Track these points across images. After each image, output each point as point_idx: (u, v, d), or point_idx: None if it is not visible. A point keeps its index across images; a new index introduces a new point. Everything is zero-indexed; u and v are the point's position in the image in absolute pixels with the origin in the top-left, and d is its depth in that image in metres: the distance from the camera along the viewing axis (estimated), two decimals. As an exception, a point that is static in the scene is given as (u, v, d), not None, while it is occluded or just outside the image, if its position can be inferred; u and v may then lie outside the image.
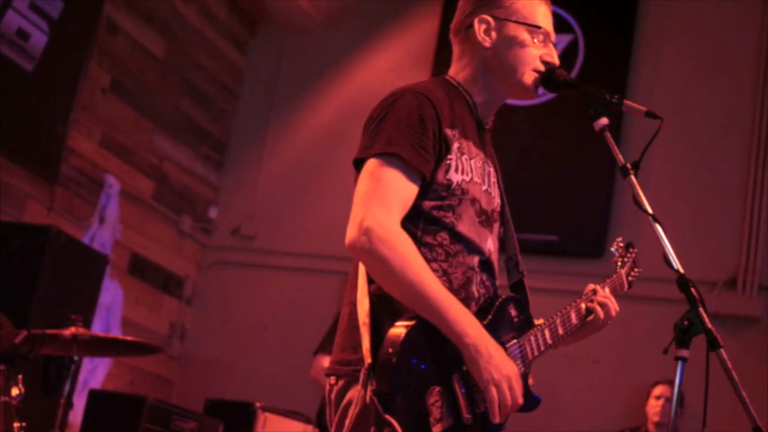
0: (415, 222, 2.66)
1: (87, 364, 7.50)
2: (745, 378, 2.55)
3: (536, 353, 2.75)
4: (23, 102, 7.01)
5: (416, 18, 8.85)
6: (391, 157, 2.61)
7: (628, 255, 3.27)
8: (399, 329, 2.51)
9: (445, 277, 2.64)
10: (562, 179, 8.06)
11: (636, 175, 2.74)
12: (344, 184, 7.76)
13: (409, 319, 2.53)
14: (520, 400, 2.59)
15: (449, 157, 2.71)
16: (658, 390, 7.20)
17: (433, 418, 2.49)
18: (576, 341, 2.98)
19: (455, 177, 2.71)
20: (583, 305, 2.92)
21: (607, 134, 2.81)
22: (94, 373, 7.69)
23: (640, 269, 3.29)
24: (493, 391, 2.54)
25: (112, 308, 7.87)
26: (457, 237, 2.71)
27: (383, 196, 2.58)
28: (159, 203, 8.41)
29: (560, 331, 2.84)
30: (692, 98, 7.92)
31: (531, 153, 8.09)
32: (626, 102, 2.80)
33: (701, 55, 8.05)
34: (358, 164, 2.68)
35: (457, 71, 2.93)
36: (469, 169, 2.76)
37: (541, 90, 2.93)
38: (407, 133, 2.63)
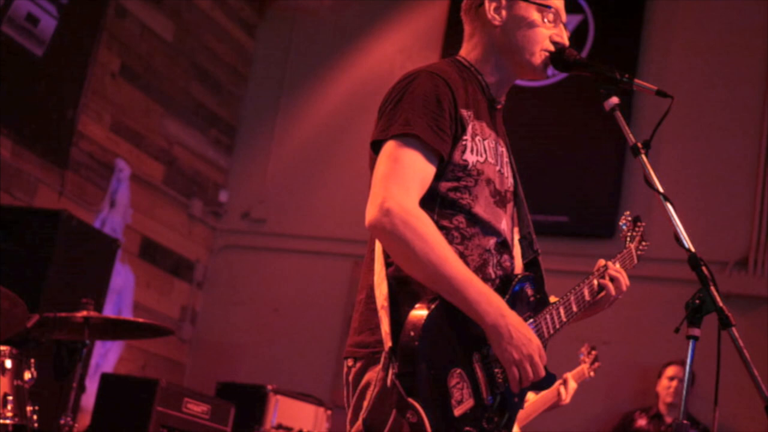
0: (431, 206, 2.65)
1: (99, 348, 7.52)
2: (756, 358, 2.55)
3: (552, 331, 2.76)
4: (33, 87, 7.02)
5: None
6: (409, 138, 2.61)
7: (636, 229, 3.30)
8: (420, 312, 2.51)
9: (462, 260, 2.64)
10: (572, 160, 8.05)
11: (647, 155, 2.74)
12: (354, 166, 7.79)
13: (429, 301, 2.53)
14: (542, 374, 2.60)
15: (464, 138, 2.71)
16: (671, 371, 7.20)
17: (455, 400, 2.50)
18: (588, 317, 2.99)
19: (471, 158, 2.71)
20: (595, 281, 2.93)
21: (618, 113, 2.80)
22: (106, 357, 7.72)
23: (648, 243, 3.30)
24: (515, 371, 2.57)
25: (124, 292, 7.90)
26: (474, 219, 2.71)
27: (402, 177, 2.58)
28: (169, 187, 8.42)
29: (574, 308, 2.85)
30: (702, 77, 7.90)
31: (541, 134, 8.08)
32: (636, 81, 2.80)
33: (711, 35, 8.01)
34: (376, 146, 2.68)
35: (467, 51, 2.93)
36: (483, 150, 2.75)
37: (551, 70, 2.92)
38: (424, 113, 2.63)
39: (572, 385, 5.48)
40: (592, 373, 5.69)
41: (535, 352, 2.58)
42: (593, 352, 5.68)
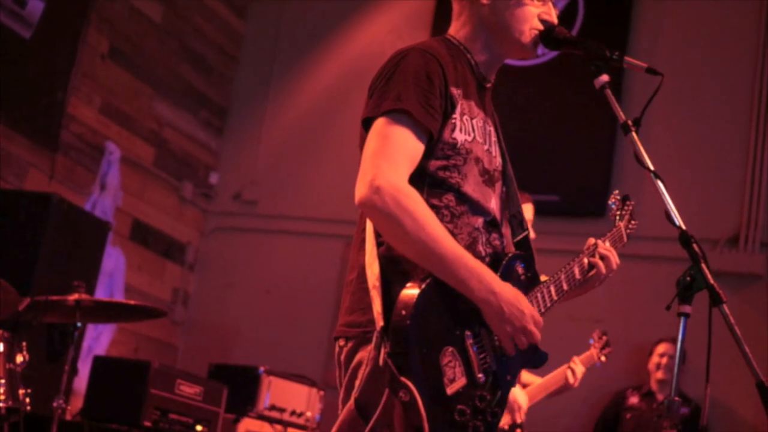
0: (420, 185, 2.65)
1: (91, 331, 7.52)
2: (747, 335, 2.55)
3: (543, 309, 2.78)
4: (22, 70, 6.99)
5: (415, -21, 8.80)
6: (399, 115, 2.60)
7: (626, 208, 3.31)
8: (411, 291, 2.51)
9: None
10: (562, 139, 8.05)
11: (637, 132, 2.74)
12: (346, 147, 7.78)
13: (421, 280, 2.53)
14: (538, 338, 2.63)
15: (454, 116, 2.71)
16: (661, 348, 7.23)
17: (447, 379, 2.50)
18: (579, 295, 3.00)
19: (459, 136, 2.71)
20: (585, 260, 2.94)
21: (608, 91, 2.80)
22: (99, 340, 7.71)
23: (637, 222, 3.32)
24: (510, 345, 2.59)
25: (115, 275, 7.89)
26: (463, 198, 2.71)
27: (392, 155, 2.57)
28: (160, 169, 8.40)
29: (565, 286, 2.86)
30: (693, 55, 7.89)
31: (531, 113, 8.07)
32: (626, 59, 2.80)
33: (702, 12, 8.00)
34: (366, 124, 2.67)
35: (456, 29, 2.92)
36: (471, 129, 2.76)
37: (540, 49, 2.92)
38: (415, 90, 2.63)
39: (580, 368, 5.52)
40: (603, 358, 5.72)
41: (529, 322, 2.60)
42: (604, 338, 5.72)
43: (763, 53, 7.69)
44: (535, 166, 7.70)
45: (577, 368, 5.49)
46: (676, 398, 2.54)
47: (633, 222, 3.31)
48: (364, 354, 2.58)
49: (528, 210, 5.14)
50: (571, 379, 5.47)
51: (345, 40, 8.91)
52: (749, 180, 7.53)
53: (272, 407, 6.69)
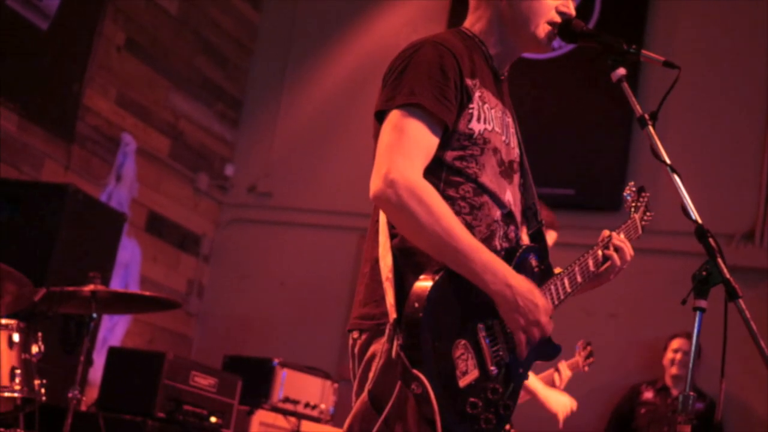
0: (437, 175, 2.65)
1: (106, 322, 7.54)
2: (762, 330, 2.54)
3: (556, 302, 2.77)
4: (38, 61, 7.01)
5: (431, -28, 8.79)
6: (413, 108, 2.60)
7: (641, 199, 3.29)
8: (424, 283, 2.51)
9: (470, 230, 2.64)
10: (578, 133, 8.03)
11: (654, 126, 2.73)
12: (360, 139, 7.77)
13: (434, 272, 2.53)
14: (549, 332, 2.63)
15: (471, 106, 2.70)
16: (676, 343, 7.21)
17: (460, 371, 2.50)
18: (594, 288, 2.99)
19: (477, 126, 2.71)
20: (599, 252, 2.93)
21: (625, 85, 2.79)
22: (114, 331, 7.74)
23: (652, 213, 3.30)
24: (522, 336, 2.58)
25: (131, 266, 7.91)
26: (481, 188, 2.70)
27: (406, 148, 2.57)
28: (175, 161, 8.42)
29: (579, 279, 2.85)
30: (709, 50, 7.86)
31: (547, 106, 8.05)
32: (644, 52, 2.79)
33: (718, 8, 7.97)
34: (380, 116, 2.67)
35: (472, 23, 2.91)
36: (490, 118, 2.75)
37: (557, 42, 2.91)
38: (429, 83, 2.62)
39: (566, 372, 5.57)
40: (586, 368, 5.74)
41: (542, 315, 2.60)
42: (588, 348, 5.76)
43: (781, 47, 7.67)
44: (550, 159, 7.68)
45: (563, 372, 5.56)
46: (691, 393, 2.54)
47: (648, 213, 3.29)
48: (378, 346, 2.58)
49: (550, 237, 5.14)
50: (557, 382, 5.53)
51: (360, 32, 8.91)
52: (765, 175, 7.51)
53: (286, 399, 6.70)
